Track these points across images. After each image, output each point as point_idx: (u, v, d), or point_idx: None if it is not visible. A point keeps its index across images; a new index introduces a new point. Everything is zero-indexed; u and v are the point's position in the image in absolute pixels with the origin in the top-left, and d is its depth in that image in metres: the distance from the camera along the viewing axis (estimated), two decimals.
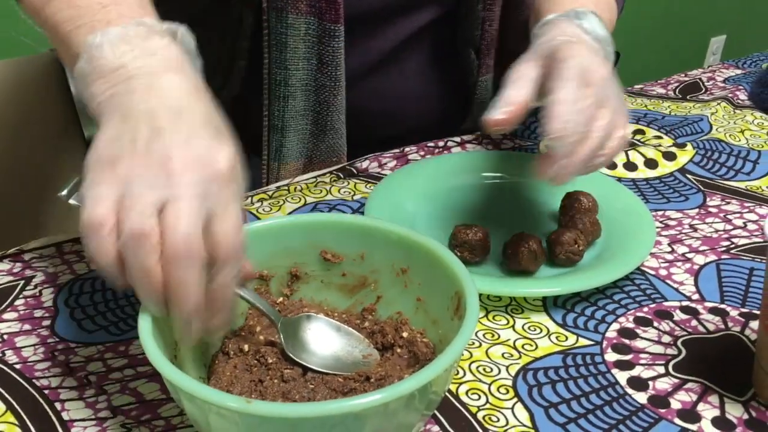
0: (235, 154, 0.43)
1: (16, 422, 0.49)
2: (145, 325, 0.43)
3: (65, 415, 0.49)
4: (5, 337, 0.56)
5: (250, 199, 0.73)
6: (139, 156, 0.41)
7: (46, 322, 0.57)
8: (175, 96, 0.44)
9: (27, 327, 0.57)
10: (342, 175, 0.77)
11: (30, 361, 0.54)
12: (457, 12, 0.80)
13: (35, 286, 0.61)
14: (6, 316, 0.58)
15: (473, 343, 0.55)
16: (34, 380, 0.52)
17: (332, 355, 0.50)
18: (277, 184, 0.76)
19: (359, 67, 0.79)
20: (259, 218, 0.70)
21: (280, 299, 0.54)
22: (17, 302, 0.59)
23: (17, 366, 0.53)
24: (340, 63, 0.75)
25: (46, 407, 0.50)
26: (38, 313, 0.58)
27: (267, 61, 0.75)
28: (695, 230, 0.69)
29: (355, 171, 0.78)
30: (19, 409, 0.49)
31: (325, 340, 0.51)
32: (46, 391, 0.51)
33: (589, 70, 0.56)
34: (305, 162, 0.81)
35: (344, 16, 0.73)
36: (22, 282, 0.61)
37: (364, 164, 0.79)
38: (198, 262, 0.40)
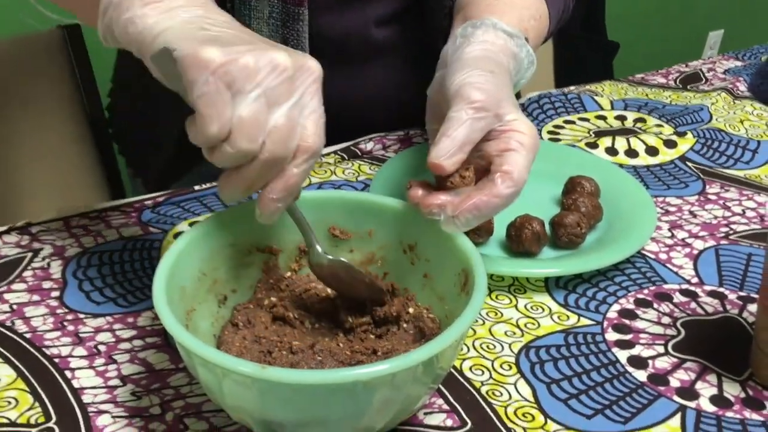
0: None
1: (27, 389, 0.49)
2: (159, 296, 0.43)
3: (75, 383, 0.50)
4: (14, 307, 0.56)
5: None
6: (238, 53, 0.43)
7: (55, 294, 0.58)
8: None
9: (36, 298, 0.57)
10: (346, 156, 0.78)
11: (39, 331, 0.54)
12: (424, 2, 0.79)
13: (43, 258, 0.61)
14: (15, 286, 0.58)
15: (477, 321, 0.56)
16: (43, 349, 0.53)
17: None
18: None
19: (328, 58, 0.79)
20: None
21: (288, 274, 0.54)
22: (25, 273, 0.60)
23: (27, 335, 0.54)
24: (305, 47, 0.74)
25: (57, 375, 0.51)
26: (47, 285, 0.59)
27: None
28: (695, 216, 0.70)
29: (359, 152, 0.79)
30: (30, 377, 0.50)
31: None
32: (56, 360, 0.52)
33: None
34: None
35: (308, 1, 0.72)
36: (30, 254, 0.62)
37: (369, 146, 0.79)
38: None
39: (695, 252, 0.65)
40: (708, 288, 0.61)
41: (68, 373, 0.51)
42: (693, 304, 0.59)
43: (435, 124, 0.57)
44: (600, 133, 0.83)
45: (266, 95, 0.43)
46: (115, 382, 0.50)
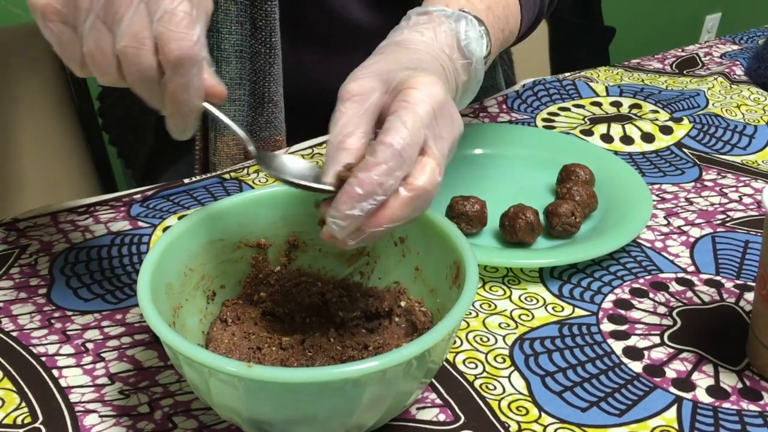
0: None
1: (14, 389, 0.49)
2: (144, 293, 0.42)
3: (63, 382, 0.49)
4: (1, 304, 0.56)
5: (246, 170, 0.73)
6: None
7: (42, 291, 0.57)
8: None
9: (23, 295, 0.57)
10: None
11: (26, 329, 0.53)
12: None
13: (30, 255, 0.61)
14: (1, 284, 0.58)
15: (470, 313, 0.56)
16: (30, 347, 0.52)
17: (307, 175, 0.46)
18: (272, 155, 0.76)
19: (314, 45, 0.78)
20: (254, 189, 0.69)
21: (278, 268, 0.54)
22: (12, 270, 0.59)
23: (14, 333, 0.53)
24: (275, 29, 0.73)
25: (44, 374, 0.50)
26: (34, 282, 0.58)
27: None
28: (691, 203, 0.69)
29: None
30: (17, 376, 0.49)
31: (299, 168, 0.47)
32: (43, 358, 0.51)
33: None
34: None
35: None
36: (17, 251, 0.61)
37: None
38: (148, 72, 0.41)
39: (691, 240, 0.64)
40: (704, 276, 0.60)
41: (55, 372, 0.50)
42: (689, 293, 0.58)
43: None
44: (595, 120, 0.82)
45: (101, 19, 0.40)
46: (103, 380, 0.49)
